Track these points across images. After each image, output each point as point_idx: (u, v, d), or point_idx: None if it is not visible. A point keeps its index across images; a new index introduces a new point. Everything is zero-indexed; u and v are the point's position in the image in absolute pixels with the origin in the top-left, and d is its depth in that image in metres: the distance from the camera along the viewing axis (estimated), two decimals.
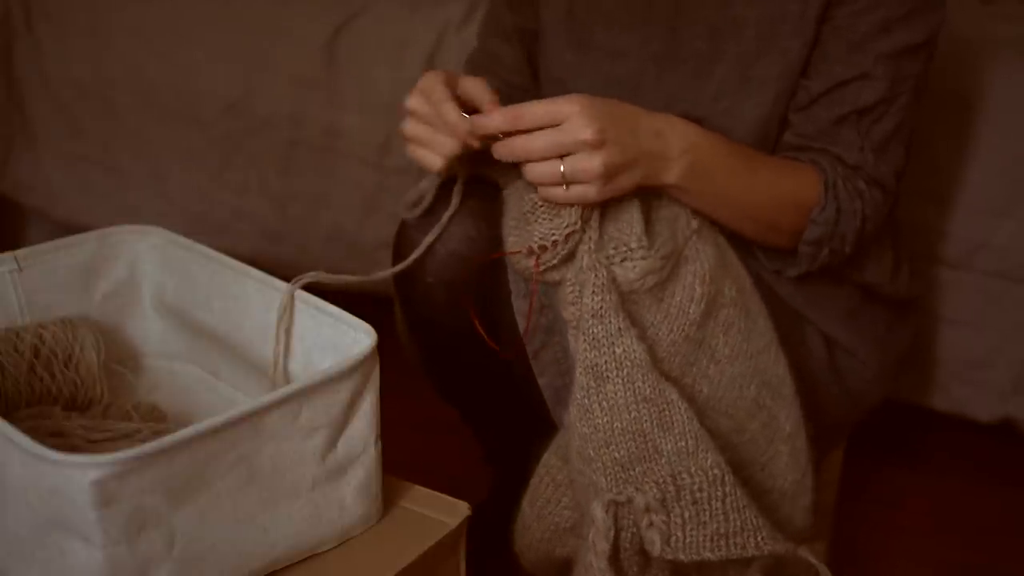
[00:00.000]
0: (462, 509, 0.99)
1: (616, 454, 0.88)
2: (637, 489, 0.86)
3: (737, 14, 1.07)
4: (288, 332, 1.02)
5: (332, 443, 0.91)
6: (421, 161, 1.00)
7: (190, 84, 1.66)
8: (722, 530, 0.86)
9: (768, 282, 1.10)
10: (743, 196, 1.02)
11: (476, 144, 0.95)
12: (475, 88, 0.97)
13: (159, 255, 1.15)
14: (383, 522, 0.97)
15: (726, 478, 0.87)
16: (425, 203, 1.04)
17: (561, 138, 0.91)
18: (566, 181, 0.92)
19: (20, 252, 1.09)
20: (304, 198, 1.65)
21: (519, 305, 0.99)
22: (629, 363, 0.90)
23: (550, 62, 1.18)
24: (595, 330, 0.91)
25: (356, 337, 0.95)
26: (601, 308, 0.91)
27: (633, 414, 0.89)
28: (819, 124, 1.06)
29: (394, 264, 1.08)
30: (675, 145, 0.97)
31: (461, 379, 1.20)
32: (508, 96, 1.03)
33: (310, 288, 1.01)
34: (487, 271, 1.03)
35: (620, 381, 0.90)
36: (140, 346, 1.17)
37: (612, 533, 0.85)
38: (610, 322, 0.91)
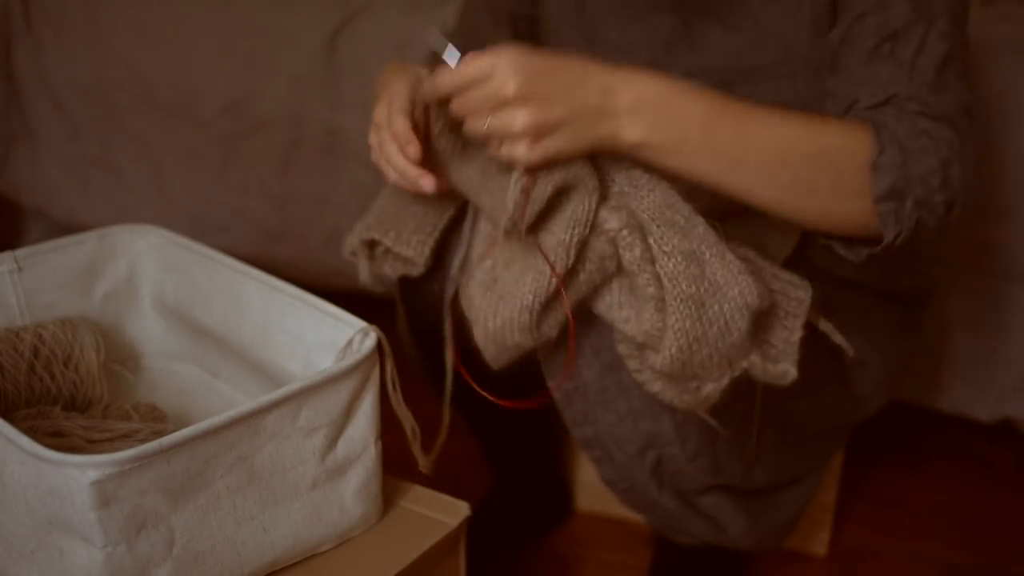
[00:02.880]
0: (462, 509, 0.99)
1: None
2: None
3: None
4: (283, 329, 1.02)
5: (332, 443, 0.90)
6: (382, 170, 0.98)
7: (190, 84, 1.65)
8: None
9: None
10: (747, 152, 0.90)
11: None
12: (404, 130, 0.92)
13: (159, 255, 1.15)
14: (383, 522, 0.97)
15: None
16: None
17: (485, 93, 0.85)
18: (495, 136, 0.87)
19: (20, 252, 1.09)
20: (304, 198, 1.65)
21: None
22: (713, 239, 0.89)
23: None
24: (674, 218, 0.89)
25: (356, 337, 0.94)
26: (668, 199, 0.89)
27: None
28: (851, 73, 0.94)
29: None
30: (623, 99, 0.87)
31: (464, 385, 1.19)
32: None
33: (310, 288, 1.01)
34: None
35: (718, 258, 0.88)
36: (140, 346, 1.17)
37: None
38: (681, 206, 0.89)
